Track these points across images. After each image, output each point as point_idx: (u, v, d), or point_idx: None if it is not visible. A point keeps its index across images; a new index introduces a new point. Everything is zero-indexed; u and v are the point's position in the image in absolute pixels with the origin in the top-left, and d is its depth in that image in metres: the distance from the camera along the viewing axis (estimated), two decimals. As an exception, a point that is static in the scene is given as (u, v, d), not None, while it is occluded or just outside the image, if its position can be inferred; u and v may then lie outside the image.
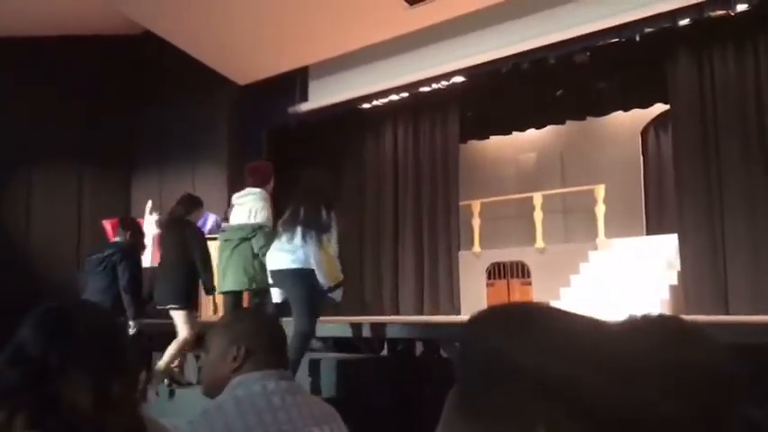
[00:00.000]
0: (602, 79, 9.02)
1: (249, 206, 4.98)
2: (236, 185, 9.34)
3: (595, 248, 8.71)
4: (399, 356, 5.58)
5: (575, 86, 9.21)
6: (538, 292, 8.91)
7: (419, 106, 9.24)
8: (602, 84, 9.12)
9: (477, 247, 9.71)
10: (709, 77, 7.15)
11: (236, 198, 5.22)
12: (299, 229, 4.25)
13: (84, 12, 8.85)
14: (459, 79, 8.13)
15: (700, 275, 6.98)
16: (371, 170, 9.84)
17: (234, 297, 4.97)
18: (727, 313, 6.58)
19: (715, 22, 6.75)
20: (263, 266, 4.65)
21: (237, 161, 9.52)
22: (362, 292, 9.57)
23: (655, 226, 9.52)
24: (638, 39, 7.11)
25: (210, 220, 9.09)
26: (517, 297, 9.36)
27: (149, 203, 9.31)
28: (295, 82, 9.18)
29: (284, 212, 4.50)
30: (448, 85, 8.30)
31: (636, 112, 9.75)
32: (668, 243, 7.78)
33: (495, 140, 11.49)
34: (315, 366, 4.53)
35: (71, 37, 9.35)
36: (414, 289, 9.29)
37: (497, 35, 7.43)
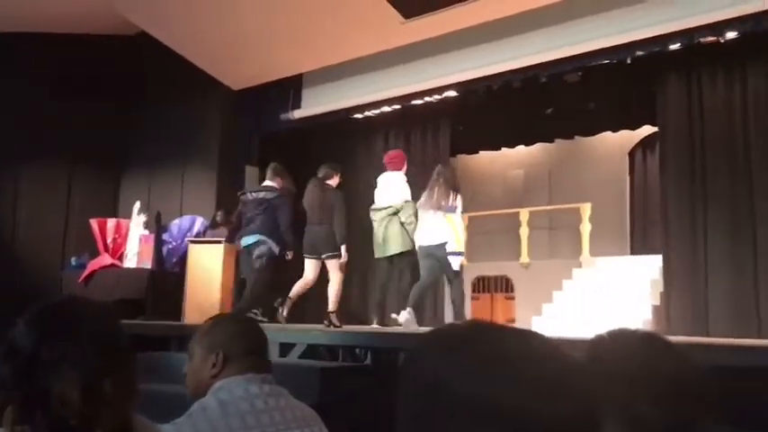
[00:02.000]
0: (592, 99, 9.09)
1: (393, 187, 6.22)
2: (226, 189, 9.39)
3: (579, 266, 8.78)
4: (382, 366, 5.60)
5: (565, 105, 9.29)
6: (521, 307, 8.98)
7: (411, 118, 9.29)
8: (592, 104, 9.19)
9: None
10: (697, 102, 7.24)
11: (380, 180, 6.51)
12: (431, 210, 5.68)
13: (78, 10, 8.85)
14: (451, 94, 8.20)
15: (682, 296, 7.05)
16: (362, 180, 9.85)
17: (391, 259, 6.28)
18: (707, 335, 6.64)
19: (705, 48, 6.85)
20: (408, 233, 6.01)
21: (228, 165, 9.55)
22: (349, 301, 9.57)
23: (639, 246, 9.61)
24: (629, 61, 7.20)
25: (198, 223, 9.11)
26: (500, 311, 9.41)
27: (137, 204, 9.31)
28: (288, 89, 9.23)
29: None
30: (440, 99, 8.37)
31: (624, 132, 9.84)
32: (652, 263, 7.86)
33: (485, 156, 11.57)
34: (297, 372, 4.55)
35: (64, 35, 9.35)
36: (403, 299, 9.28)
37: (491, 52, 7.51)
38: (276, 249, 6.42)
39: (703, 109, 7.19)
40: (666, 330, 7.04)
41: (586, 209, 9.17)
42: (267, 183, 6.81)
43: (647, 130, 9.31)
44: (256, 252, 6.40)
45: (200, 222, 9.07)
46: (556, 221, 10.86)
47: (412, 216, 6.11)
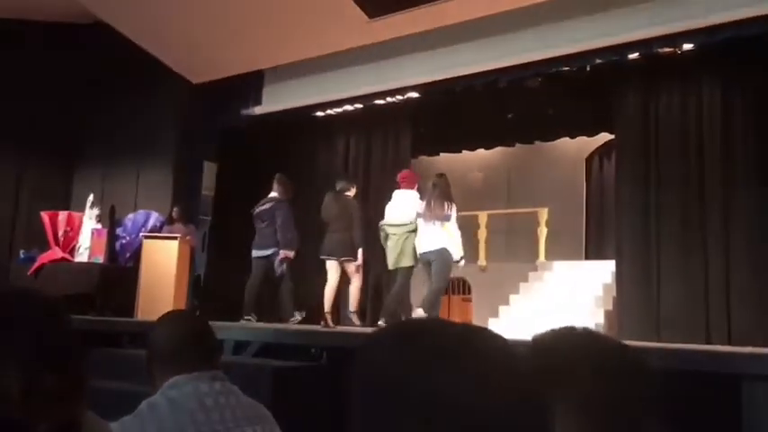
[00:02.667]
0: (551, 105, 9.21)
1: (409, 205, 6.55)
2: (183, 184, 9.25)
3: (535, 269, 8.88)
4: (337, 366, 5.57)
5: (525, 111, 9.39)
6: (478, 309, 9.04)
7: (373, 118, 9.27)
8: (552, 110, 9.31)
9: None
10: (653, 111, 7.38)
11: (394, 196, 6.85)
12: (430, 222, 6.11)
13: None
14: (413, 95, 8.22)
15: (634, 302, 7.18)
16: (321, 178, 9.80)
17: (407, 270, 6.60)
18: (658, 340, 6.77)
19: (662, 59, 6.99)
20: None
21: (185, 160, 9.41)
22: (304, 300, 9.51)
23: (594, 251, 9.75)
24: (588, 69, 7.31)
25: (153, 218, 8.97)
26: (457, 313, 9.46)
27: (91, 197, 9.13)
28: (250, 84, 9.13)
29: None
30: (402, 100, 8.38)
31: (582, 139, 9.98)
32: (606, 268, 7.99)
33: (445, 158, 11.62)
34: (250, 371, 4.50)
35: (17, 21, 9.09)
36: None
37: (453, 55, 7.54)
38: (291, 254, 7.06)
39: (659, 119, 7.33)
40: (618, 335, 7.16)
41: (543, 213, 9.28)
42: (272, 194, 7.33)
43: (604, 137, 9.46)
44: (276, 262, 7.08)
45: (154, 217, 8.92)
46: (513, 225, 10.97)
47: None
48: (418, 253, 6.40)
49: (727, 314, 6.58)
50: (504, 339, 0.66)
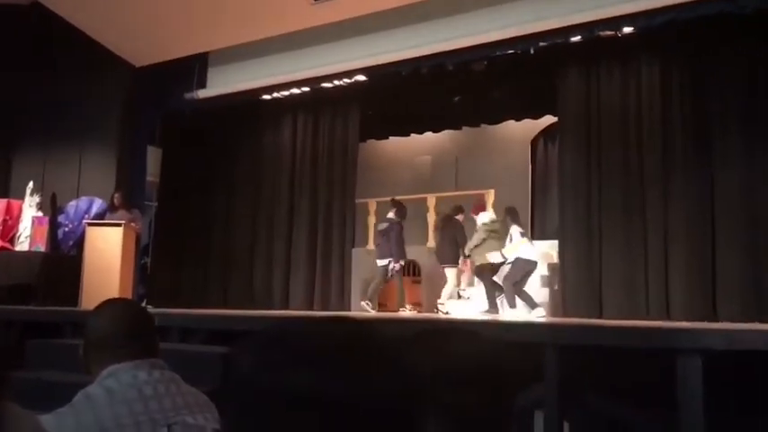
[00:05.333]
0: (497, 88, 9.30)
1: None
2: (127, 169, 9.07)
3: (483, 251, 8.97)
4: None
5: (471, 94, 9.45)
6: (427, 291, 9.12)
7: (320, 102, 9.23)
8: (497, 93, 9.40)
9: (371, 245, 9.81)
10: (595, 93, 7.52)
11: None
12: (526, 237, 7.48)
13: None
14: (360, 78, 8.20)
15: (577, 281, 7.34)
16: (268, 162, 9.74)
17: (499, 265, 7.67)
18: (600, 317, 6.96)
19: (604, 42, 7.13)
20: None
21: (129, 145, 9.22)
22: (252, 284, 9.47)
23: (539, 232, 9.91)
24: (532, 52, 7.40)
25: (96, 204, 8.79)
26: (408, 294, 9.52)
27: (30, 184, 8.89)
28: (193, 67, 8.97)
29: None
30: (349, 83, 8.36)
31: (527, 122, 10.11)
32: (551, 249, 8.13)
33: (394, 141, 11.64)
34: (198, 359, 4.47)
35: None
36: (305, 284, 9.26)
37: (399, 38, 7.55)
38: (399, 264, 8.47)
39: (600, 101, 7.48)
40: (563, 313, 7.34)
41: (490, 195, 9.39)
42: (389, 215, 8.60)
43: (548, 119, 9.59)
44: (389, 268, 8.44)
45: (98, 204, 8.74)
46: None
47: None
48: (523, 257, 7.41)
49: (665, 291, 6.79)
50: (369, 327, 0.68)
